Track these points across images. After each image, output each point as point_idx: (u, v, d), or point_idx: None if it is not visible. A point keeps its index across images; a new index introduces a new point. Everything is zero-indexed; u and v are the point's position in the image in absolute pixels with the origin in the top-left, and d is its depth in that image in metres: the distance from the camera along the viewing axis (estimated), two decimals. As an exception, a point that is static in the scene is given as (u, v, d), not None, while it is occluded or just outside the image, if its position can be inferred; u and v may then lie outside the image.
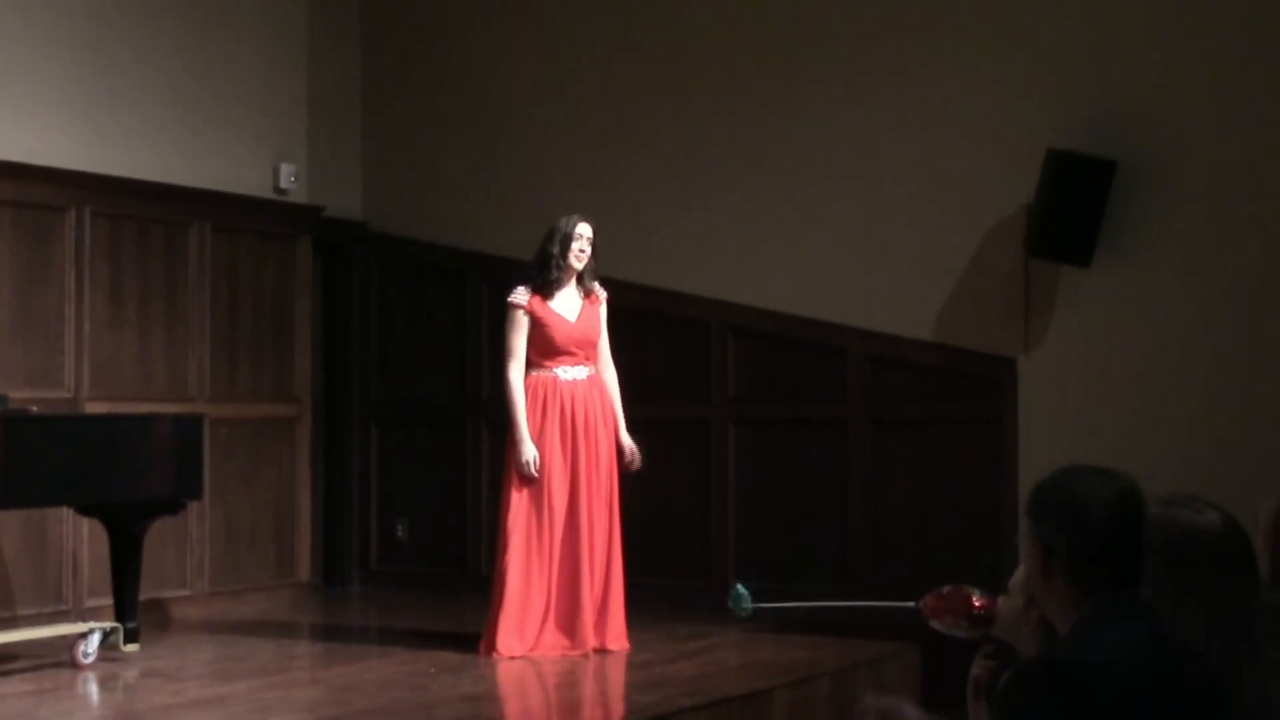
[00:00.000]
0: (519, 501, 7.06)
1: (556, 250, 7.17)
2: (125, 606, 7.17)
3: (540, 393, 7.12)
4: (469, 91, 9.66)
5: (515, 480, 7.08)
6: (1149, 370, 7.86)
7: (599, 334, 7.26)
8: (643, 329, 9.05)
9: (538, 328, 7.14)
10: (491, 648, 7.00)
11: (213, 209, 8.94)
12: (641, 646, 7.31)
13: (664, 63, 9.12)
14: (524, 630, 7.01)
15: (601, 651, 7.07)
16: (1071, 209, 7.76)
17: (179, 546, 8.66)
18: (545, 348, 7.15)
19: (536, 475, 7.03)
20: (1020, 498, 7.92)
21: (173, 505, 7.31)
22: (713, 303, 8.92)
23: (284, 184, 9.40)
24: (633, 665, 6.95)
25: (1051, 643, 2.90)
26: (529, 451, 7.03)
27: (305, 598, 9.32)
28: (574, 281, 7.24)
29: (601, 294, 7.32)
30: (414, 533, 9.77)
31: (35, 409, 7.21)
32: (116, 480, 7.07)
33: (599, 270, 8.61)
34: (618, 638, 7.16)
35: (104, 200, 8.39)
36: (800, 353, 8.72)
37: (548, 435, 7.06)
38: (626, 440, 7.24)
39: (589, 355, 7.22)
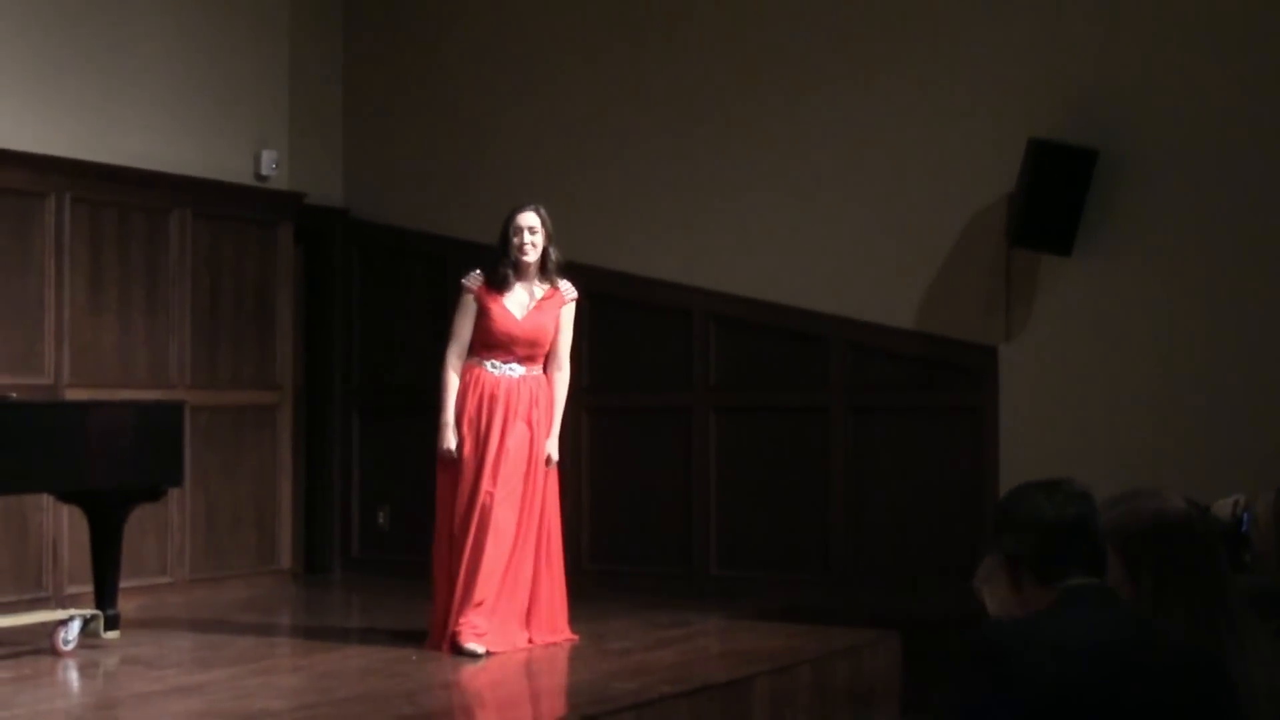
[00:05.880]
0: (441, 490, 6.98)
1: (502, 246, 6.97)
2: (106, 593, 7.14)
3: (464, 386, 6.95)
4: (452, 78, 9.63)
5: (441, 472, 6.98)
6: (1129, 358, 7.86)
7: (547, 336, 7.00)
8: (624, 316, 9.06)
9: (481, 316, 6.96)
10: (434, 644, 6.89)
11: (194, 196, 8.90)
12: (621, 634, 7.31)
13: (647, 50, 9.09)
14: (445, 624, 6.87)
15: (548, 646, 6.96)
16: (1053, 198, 7.77)
17: (159, 534, 8.63)
18: (482, 337, 6.96)
19: (450, 460, 6.90)
20: (1002, 485, 7.96)
21: (153, 492, 7.28)
22: (694, 290, 8.91)
23: (265, 171, 9.37)
24: (613, 653, 6.94)
25: None
26: (444, 439, 6.91)
27: (286, 585, 9.30)
28: (535, 275, 7.03)
29: (569, 294, 7.07)
30: (395, 520, 9.76)
31: (15, 395, 7.18)
32: (97, 467, 7.04)
33: (579, 258, 8.59)
34: (555, 630, 7.03)
35: (84, 186, 8.35)
36: (781, 340, 8.72)
37: (467, 435, 6.89)
38: (549, 447, 6.98)
39: (531, 355, 6.99)
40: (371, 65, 9.89)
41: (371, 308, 9.87)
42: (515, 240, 6.94)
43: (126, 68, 8.68)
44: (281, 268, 9.44)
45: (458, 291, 7.09)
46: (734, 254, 8.81)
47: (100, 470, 7.05)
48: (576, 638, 7.11)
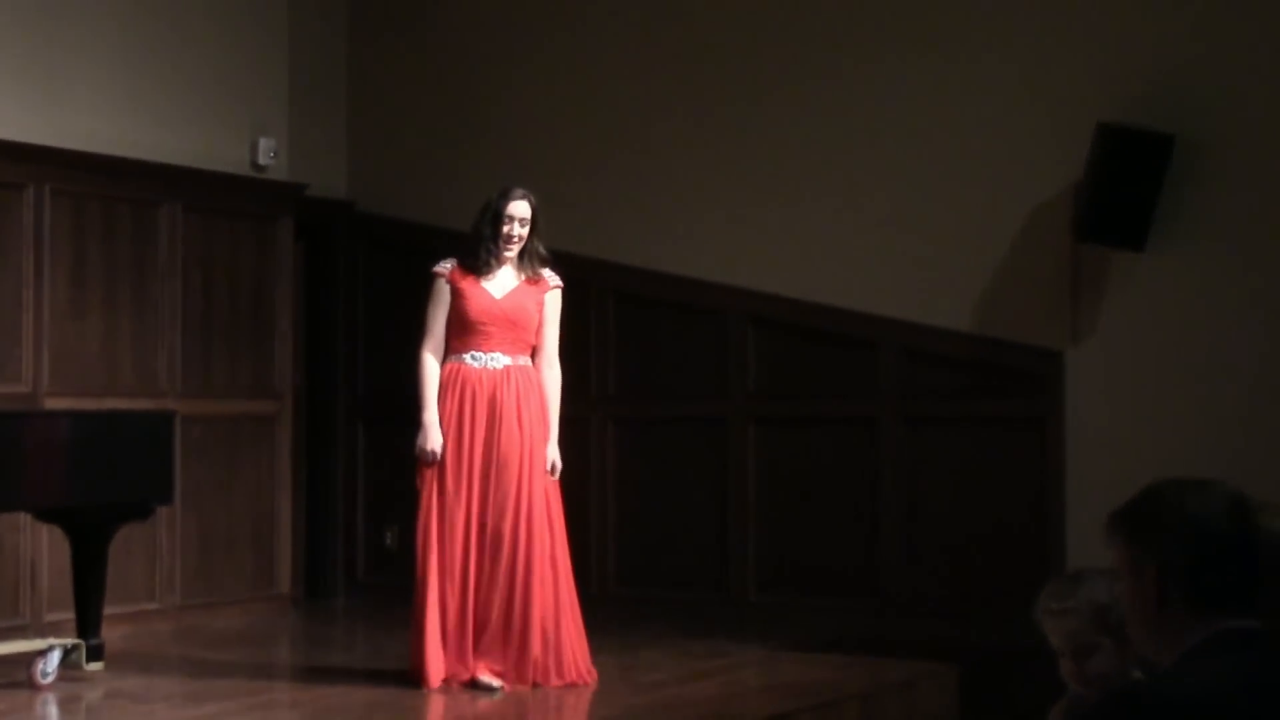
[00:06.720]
0: (427, 502, 6.81)
1: (487, 231, 6.89)
2: (88, 621, 7.11)
3: (443, 384, 6.83)
4: (466, 58, 9.62)
5: (422, 477, 6.84)
6: (1208, 363, 7.83)
7: (530, 319, 6.88)
8: (654, 318, 9.08)
9: (456, 300, 6.86)
10: (420, 677, 6.68)
11: (185, 187, 8.89)
12: (652, 666, 7.30)
13: (678, 31, 9.08)
14: (447, 652, 6.70)
15: (538, 686, 6.71)
16: (1124, 188, 7.73)
17: (148, 556, 8.61)
18: (460, 325, 6.85)
19: (432, 463, 6.77)
20: (1069, 503, 7.91)
21: (141, 510, 7.26)
22: (730, 290, 8.88)
23: (263, 160, 9.37)
24: (643, 686, 6.90)
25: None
26: (428, 439, 6.78)
27: (286, 611, 9.29)
28: (515, 264, 6.94)
29: (553, 282, 6.97)
30: (404, 540, 9.68)
31: (-11, 405, 7.16)
32: (79, 483, 7.03)
33: (605, 255, 8.55)
34: (577, 669, 6.81)
35: (66, 177, 8.34)
36: (826, 345, 8.69)
37: (449, 438, 6.75)
38: (551, 453, 6.84)
39: (513, 341, 6.86)
40: (378, 45, 9.88)
41: (378, 309, 9.84)
42: (504, 229, 6.87)
43: (112, 48, 8.67)
44: (281, 265, 9.43)
45: (429, 281, 6.98)
46: (774, 251, 8.77)
47: (83, 487, 7.03)
48: (596, 675, 6.93)
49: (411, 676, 6.76)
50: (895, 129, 8.50)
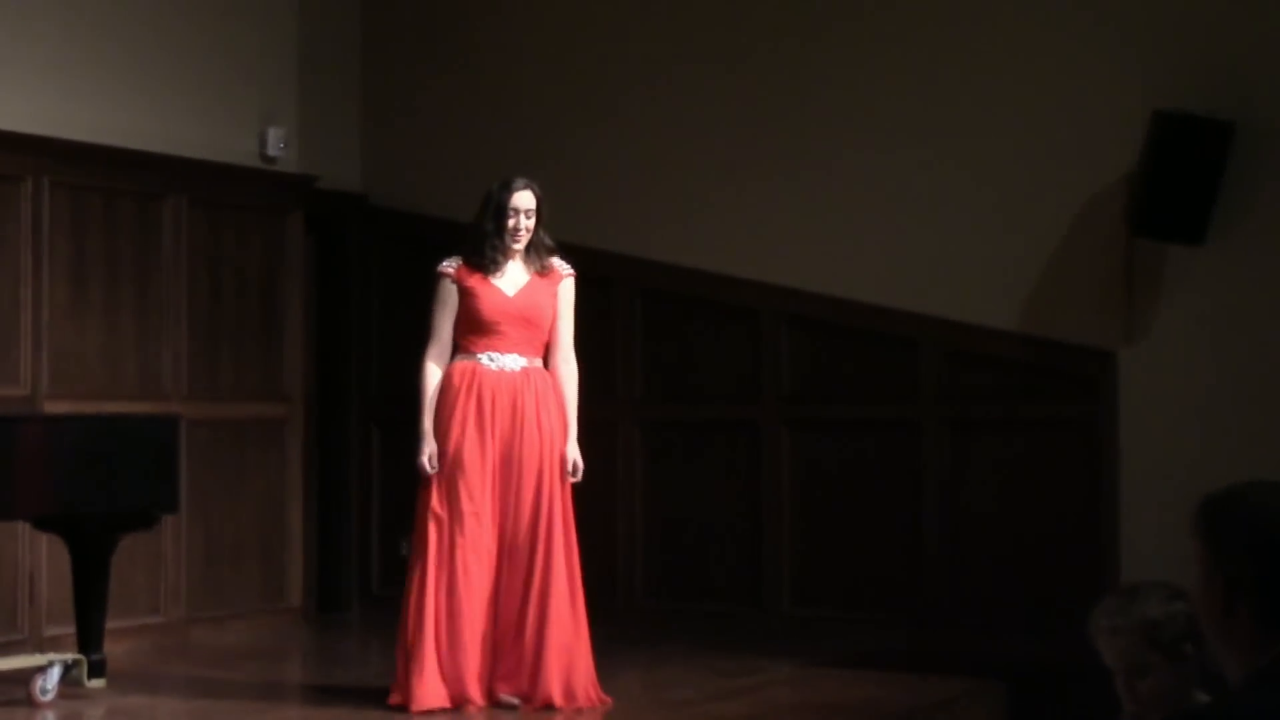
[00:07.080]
0: (430, 517, 6.71)
1: (490, 226, 6.81)
2: (89, 636, 7.12)
3: (457, 385, 6.75)
4: (482, 48, 9.63)
5: (424, 489, 6.76)
6: (1271, 364, 7.78)
7: (545, 316, 6.82)
8: (683, 317, 9.08)
9: (466, 300, 6.79)
10: (406, 699, 6.60)
11: (190, 179, 8.90)
12: (680, 683, 7.29)
13: (711, 18, 9.06)
14: (446, 674, 6.61)
15: (549, 709, 6.62)
16: (1182, 179, 7.70)
17: (151, 567, 8.61)
18: (471, 325, 6.79)
19: (431, 472, 6.69)
20: (1122, 511, 7.86)
21: (144, 519, 7.29)
22: (763, 287, 8.86)
23: (272, 151, 9.38)
24: (670, 705, 6.89)
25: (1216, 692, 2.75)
26: (424, 447, 6.71)
27: (296, 625, 9.30)
28: (522, 258, 6.87)
29: (564, 270, 6.91)
30: (420, 550, 9.69)
31: (-14, 408, 7.17)
32: (79, 490, 7.04)
33: (629, 250, 8.50)
34: (581, 693, 6.69)
35: (66, 169, 8.35)
36: (865, 345, 8.68)
37: (466, 440, 6.68)
38: (571, 452, 6.79)
39: (529, 340, 6.81)
40: (393, 31, 9.89)
41: (392, 307, 9.83)
42: (509, 223, 6.79)
43: (113, 33, 8.67)
44: (290, 261, 9.44)
45: (434, 282, 6.93)
46: (810, 245, 8.74)
47: (83, 494, 7.04)
48: (611, 701, 6.83)
49: (396, 700, 6.65)
50: (938, 117, 8.47)
